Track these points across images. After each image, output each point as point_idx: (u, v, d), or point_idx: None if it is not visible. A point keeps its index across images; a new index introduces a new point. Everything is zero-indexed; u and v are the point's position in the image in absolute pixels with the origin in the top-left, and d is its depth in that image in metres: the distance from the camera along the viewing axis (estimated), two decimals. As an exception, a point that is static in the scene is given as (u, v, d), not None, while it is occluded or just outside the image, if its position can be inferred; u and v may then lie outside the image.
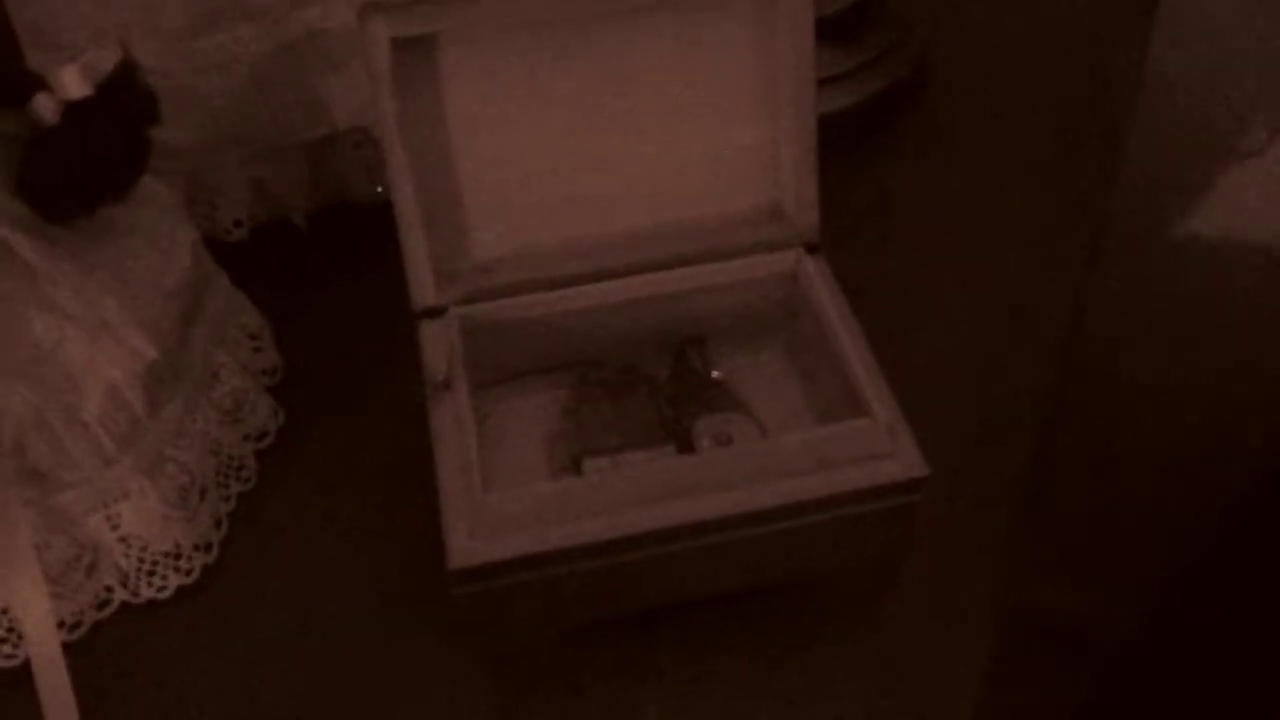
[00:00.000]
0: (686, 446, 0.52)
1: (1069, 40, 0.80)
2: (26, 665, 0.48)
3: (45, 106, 0.46)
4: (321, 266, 0.66)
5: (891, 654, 0.51)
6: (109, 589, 0.53)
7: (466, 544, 0.45)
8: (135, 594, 0.53)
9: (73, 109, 0.46)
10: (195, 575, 0.54)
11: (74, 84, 0.46)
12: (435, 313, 0.53)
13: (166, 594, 0.53)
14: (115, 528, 0.52)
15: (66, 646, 0.49)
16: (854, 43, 0.71)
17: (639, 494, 0.46)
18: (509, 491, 0.46)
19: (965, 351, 0.62)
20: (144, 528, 0.52)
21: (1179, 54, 0.90)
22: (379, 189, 0.65)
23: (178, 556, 0.53)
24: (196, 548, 0.54)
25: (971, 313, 0.64)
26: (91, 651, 0.52)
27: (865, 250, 0.65)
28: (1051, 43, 0.80)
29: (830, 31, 0.67)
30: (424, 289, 0.53)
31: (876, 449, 0.47)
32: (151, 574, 0.53)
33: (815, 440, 0.48)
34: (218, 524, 0.55)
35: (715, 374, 0.56)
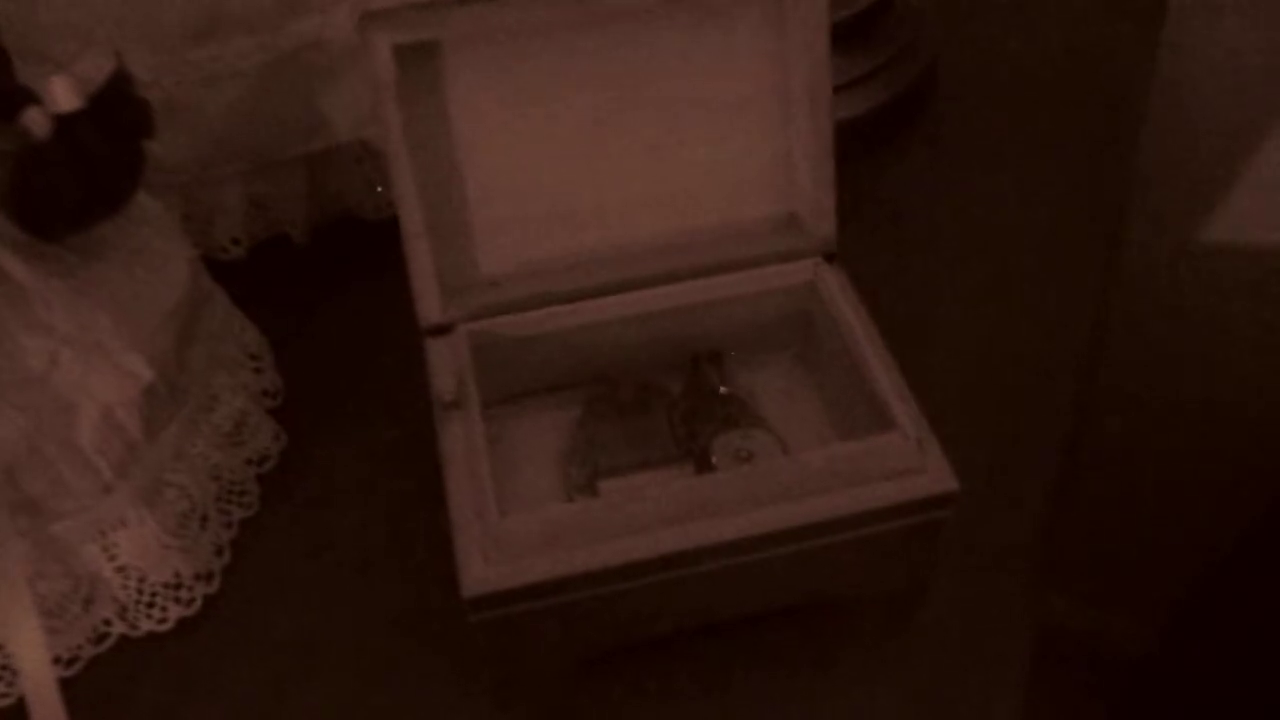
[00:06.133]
0: (704, 464, 0.51)
1: (1079, 46, 0.79)
2: (21, 704, 0.47)
3: (36, 121, 0.44)
4: (323, 284, 0.65)
5: (921, 675, 0.49)
6: (107, 622, 0.51)
7: (482, 570, 0.43)
8: (134, 626, 0.51)
9: (64, 122, 0.44)
10: (196, 606, 0.52)
11: (64, 96, 0.44)
12: (443, 330, 0.52)
13: (167, 626, 0.51)
14: (113, 558, 0.50)
15: (63, 683, 0.47)
16: (865, 49, 0.70)
17: (659, 515, 0.44)
18: (524, 515, 0.44)
19: (984, 362, 0.60)
20: (142, 557, 0.50)
21: (1188, 61, 0.89)
22: (382, 203, 0.64)
23: (178, 586, 0.51)
24: (197, 577, 0.52)
25: (990, 322, 0.62)
26: (89, 688, 0.50)
27: (880, 258, 0.64)
28: (1061, 49, 0.79)
29: (841, 38, 0.65)
30: (430, 305, 0.51)
31: (905, 464, 0.45)
32: (151, 605, 0.51)
33: (841, 456, 0.46)
34: (219, 552, 0.53)
35: (724, 389, 0.55)
